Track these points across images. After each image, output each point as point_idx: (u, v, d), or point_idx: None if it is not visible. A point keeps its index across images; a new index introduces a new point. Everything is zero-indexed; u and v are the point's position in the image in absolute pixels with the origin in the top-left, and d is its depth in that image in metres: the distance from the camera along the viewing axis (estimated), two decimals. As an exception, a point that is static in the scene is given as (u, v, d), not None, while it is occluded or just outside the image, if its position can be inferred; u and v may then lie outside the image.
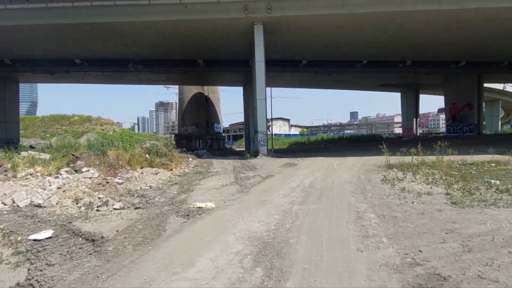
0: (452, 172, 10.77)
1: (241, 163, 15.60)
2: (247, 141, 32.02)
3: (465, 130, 33.70)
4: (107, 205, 7.10)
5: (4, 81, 31.01)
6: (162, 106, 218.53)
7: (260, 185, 9.47)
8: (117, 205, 7.06)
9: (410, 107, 45.49)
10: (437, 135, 47.21)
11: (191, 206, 6.78)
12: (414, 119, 45.50)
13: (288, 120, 78.58)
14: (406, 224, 5.19)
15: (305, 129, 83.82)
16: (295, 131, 76.60)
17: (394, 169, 11.45)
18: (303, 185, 9.08)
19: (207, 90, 36.88)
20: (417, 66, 29.79)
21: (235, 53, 25.42)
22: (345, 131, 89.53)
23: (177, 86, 43.16)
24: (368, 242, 4.32)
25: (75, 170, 9.92)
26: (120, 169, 11.59)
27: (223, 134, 45.50)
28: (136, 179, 10.14)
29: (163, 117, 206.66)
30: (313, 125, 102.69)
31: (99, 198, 7.44)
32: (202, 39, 22.20)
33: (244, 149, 33.14)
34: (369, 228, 4.95)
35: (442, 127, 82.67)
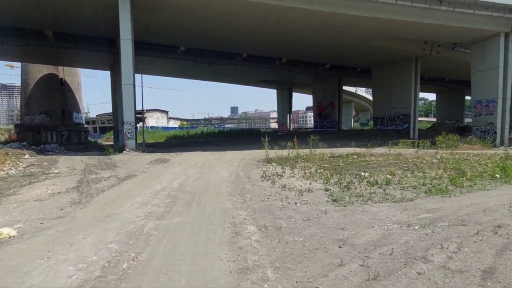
0: (325, 165, 11.07)
1: (98, 161, 12.49)
2: (115, 134, 27.60)
3: (329, 126, 37.91)
4: None
5: None
6: (5, 90, 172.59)
7: (112, 190, 7.12)
8: None
9: (285, 104, 48.71)
10: (307, 130, 52.17)
11: (-31, 237, 4.05)
12: (288, 115, 48.98)
13: (166, 112, 73.65)
14: (293, 237, 4.09)
15: (185, 122, 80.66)
16: (174, 124, 72.55)
17: (273, 163, 11.09)
18: (170, 188, 7.24)
19: (63, 71, 29.84)
20: (291, 64, 31.44)
21: (98, 29, 21.00)
22: (226, 125, 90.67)
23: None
24: (247, 282, 2.86)
25: None
26: None
27: (87, 126, 38.56)
28: None
29: (7, 104, 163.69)
30: (194, 118, 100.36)
31: None
32: (48, 3, 17.27)
33: (113, 143, 28.59)
34: (249, 252, 3.55)
35: (309, 124, 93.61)
